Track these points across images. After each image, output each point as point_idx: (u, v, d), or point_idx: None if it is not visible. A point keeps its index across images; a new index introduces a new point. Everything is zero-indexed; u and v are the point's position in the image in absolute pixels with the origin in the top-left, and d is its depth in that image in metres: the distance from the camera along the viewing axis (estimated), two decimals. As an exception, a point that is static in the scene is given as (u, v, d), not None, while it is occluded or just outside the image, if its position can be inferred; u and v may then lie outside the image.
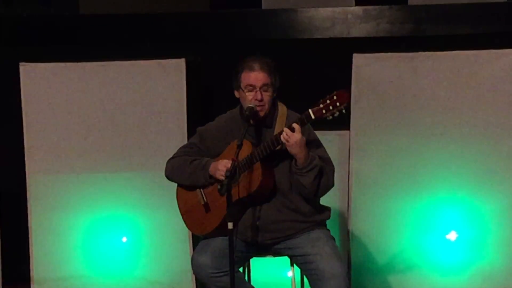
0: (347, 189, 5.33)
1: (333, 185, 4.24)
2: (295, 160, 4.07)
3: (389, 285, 5.29)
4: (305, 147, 4.04)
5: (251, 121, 4.16)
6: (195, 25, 5.80)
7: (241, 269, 4.40)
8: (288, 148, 4.02)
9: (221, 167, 4.12)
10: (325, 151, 4.27)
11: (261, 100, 4.15)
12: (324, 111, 3.92)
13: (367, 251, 5.31)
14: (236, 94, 4.28)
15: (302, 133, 4.02)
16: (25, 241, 5.58)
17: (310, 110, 3.96)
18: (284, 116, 4.24)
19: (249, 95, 4.16)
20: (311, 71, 5.57)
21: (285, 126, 4.06)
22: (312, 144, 4.20)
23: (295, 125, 3.98)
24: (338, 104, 3.90)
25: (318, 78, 5.43)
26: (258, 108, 4.15)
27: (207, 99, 5.74)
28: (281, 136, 4.00)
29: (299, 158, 4.05)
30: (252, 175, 4.11)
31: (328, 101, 3.91)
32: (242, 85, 4.19)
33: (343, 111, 3.92)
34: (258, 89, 4.15)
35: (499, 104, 5.18)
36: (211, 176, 4.20)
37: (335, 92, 3.92)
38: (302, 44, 5.66)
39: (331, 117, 3.93)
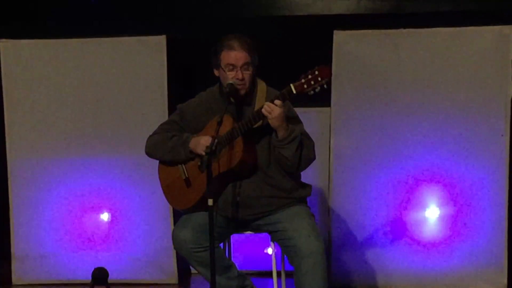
0: (327, 166, 5.34)
1: (314, 158, 4.25)
2: (276, 133, 4.08)
3: (369, 262, 5.31)
4: (285, 120, 4.05)
5: (232, 99, 4.15)
6: (176, 2, 5.77)
7: (221, 245, 4.41)
8: (270, 121, 4.02)
9: (203, 141, 4.11)
10: (304, 129, 4.27)
11: (242, 79, 4.15)
12: (305, 86, 3.92)
13: (347, 228, 5.33)
14: (216, 73, 4.26)
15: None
16: (5, 219, 5.56)
17: (291, 85, 3.95)
18: (264, 93, 4.24)
19: (230, 74, 4.15)
20: (291, 48, 5.57)
21: (265, 102, 4.06)
22: (292, 121, 4.20)
23: (276, 101, 3.98)
24: (319, 79, 3.89)
25: (299, 55, 5.45)
26: (238, 87, 4.15)
27: (188, 77, 5.73)
28: (263, 110, 4.00)
29: (280, 130, 4.05)
30: (233, 150, 4.11)
31: (309, 76, 3.91)
32: (222, 64, 4.18)
33: (325, 86, 3.91)
34: (238, 68, 4.14)
35: (479, 81, 5.20)
36: (191, 151, 4.19)
37: (316, 67, 3.92)
38: (283, 21, 5.65)
39: (312, 92, 3.93)
